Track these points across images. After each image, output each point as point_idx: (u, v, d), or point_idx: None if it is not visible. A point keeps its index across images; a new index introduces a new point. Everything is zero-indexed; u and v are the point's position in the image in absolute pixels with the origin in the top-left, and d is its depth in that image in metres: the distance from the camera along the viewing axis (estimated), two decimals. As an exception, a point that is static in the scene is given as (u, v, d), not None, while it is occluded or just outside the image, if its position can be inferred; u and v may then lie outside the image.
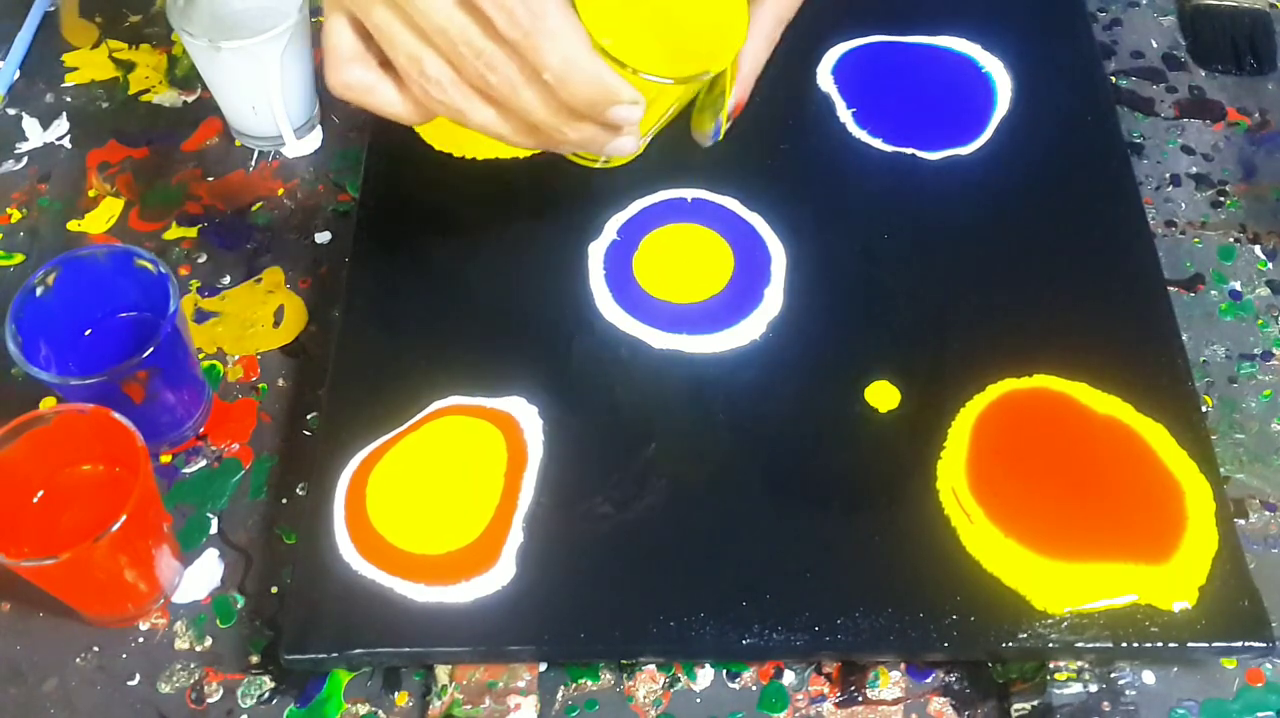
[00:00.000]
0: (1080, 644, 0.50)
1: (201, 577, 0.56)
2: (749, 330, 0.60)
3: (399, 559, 0.53)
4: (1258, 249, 0.66)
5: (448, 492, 0.55)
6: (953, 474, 0.55)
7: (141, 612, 0.54)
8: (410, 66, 0.46)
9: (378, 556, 0.53)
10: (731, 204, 0.64)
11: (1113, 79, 0.73)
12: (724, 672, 0.53)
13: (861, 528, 0.54)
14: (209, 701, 0.52)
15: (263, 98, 0.66)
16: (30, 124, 0.73)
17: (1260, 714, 0.52)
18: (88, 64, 0.76)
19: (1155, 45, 0.76)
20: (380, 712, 0.52)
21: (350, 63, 0.48)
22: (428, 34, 0.45)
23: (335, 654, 0.51)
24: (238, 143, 0.71)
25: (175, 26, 0.65)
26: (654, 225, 0.64)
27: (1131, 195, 0.65)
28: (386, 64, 0.48)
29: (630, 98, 0.47)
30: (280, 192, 0.69)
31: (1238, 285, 0.65)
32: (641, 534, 0.54)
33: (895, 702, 0.52)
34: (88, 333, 0.58)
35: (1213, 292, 0.65)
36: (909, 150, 0.66)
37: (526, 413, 0.57)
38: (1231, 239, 0.67)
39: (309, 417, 0.60)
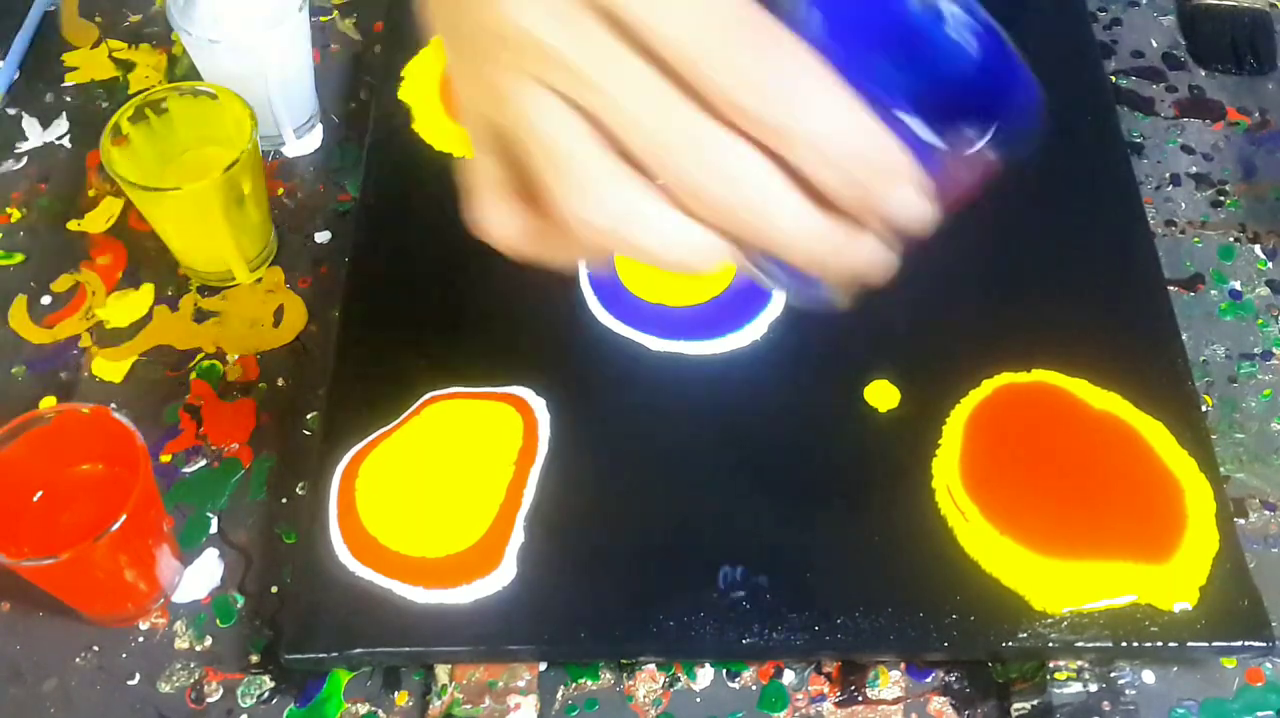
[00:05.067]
0: (1080, 644, 0.50)
1: (201, 577, 0.56)
2: (751, 332, 0.60)
3: (398, 563, 0.53)
4: (1258, 249, 0.66)
5: (450, 488, 0.55)
6: (947, 472, 0.55)
7: (141, 612, 0.54)
8: (569, 182, 0.32)
9: (376, 559, 0.53)
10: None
11: (1113, 79, 0.73)
12: (724, 672, 0.53)
13: (862, 528, 0.54)
14: (209, 700, 0.52)
15: (263, 98, 0.66)
16: (30, 124, 0.73)
17: (1260, 714, 0.52)
18: (88, 64, 0.76)
19: (1155, 45, 0.76)
20: (380, 712, 0.52)
21: (494, 196, 0.35)
22: (603, 121, 0.31)
23: (335, 654, 0.51)
24: (238, 143, 0.71)
25: (175, 26, 0.65)
26: None
27: (1131, 195, 0.65)
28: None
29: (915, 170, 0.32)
30: (280, 191, 0.69)
31: (1238, 285, 0.65)
32: (641, 534, 0.54)
33: (895, 702, 0.52)
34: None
35: (1213, 291, 0.65)
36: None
37: (537, 404, 0.57)
38: (1231, 239, 0.67)
39: (309, 417, 0.60)
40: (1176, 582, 0.51)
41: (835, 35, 0.31)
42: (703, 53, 0.30)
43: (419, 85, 0.70)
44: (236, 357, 0.63)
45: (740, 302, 0.60)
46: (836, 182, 0.31)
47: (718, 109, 0.31)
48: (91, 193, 0.69)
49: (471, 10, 0.33)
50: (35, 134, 0.72)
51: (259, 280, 0.65)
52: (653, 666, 0.53)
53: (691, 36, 0.30)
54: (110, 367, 0.62)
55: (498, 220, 0.36)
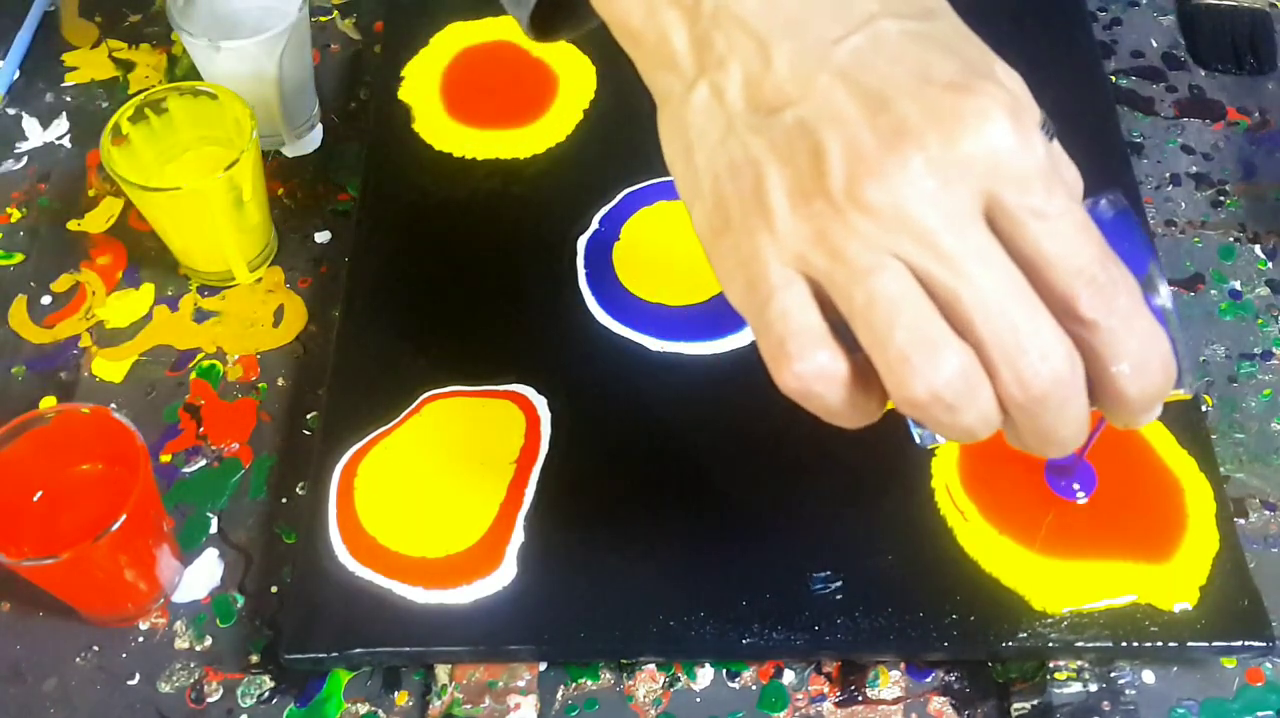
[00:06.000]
0: (1080, 644, 0.50)
1: (201, 576, 0.56)
2: (750, 332, 0.60)
3: (398, 563, 0.53)
4: (1258, 249, 0.66)
5: (450, 488, 0.55)
6: (946, 471, 0.55)
7: (141, 612, 0.54)
8: (914, 350, 0.33)
9: (376, 559, 0.53)
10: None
11: (1113, 79, 0.73)
12: (724, 671, 0.53)
13: (862, 527, 0.54)
14: (209, 700, 0.52)
15: (263, 98, 0.66)
16: (30, 124, 0.73)
17: (1260, 714, 0.52)
18: (88, 64, 0.76)
19: (1155, 45, 0.76)
20: (380, 712, 0.52)
21: (818, 345, 0.35)
22: (962, 308, 0.33)
23: (335, 654, 0.51)
24: (238, 143, 0.71)
25: (175, 26, 0.65)
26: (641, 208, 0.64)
27: (1131, 195, 0.65)
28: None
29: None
30: (280, 191, 0.69)
31: (1238, 285, 0.65)
32: (642, 534, 0.54)
33: (895, 701, 0.52)
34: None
35: (1213, 291, 0.65)
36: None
37: (539, 402, 0.57)
38: (1231, 239, 0.67)
39: (309, 416, 0.60)
40: (1176, 582, 0.51)
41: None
42: (1080, 267, 0.34)
43: (419, 85, 0.70)
44: (236, 357, 0.63)
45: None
46: (1135, 392, 0.35)
47: (1070, 314, 0.34)
48: (91, 193, 0.69)
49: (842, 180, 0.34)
50: (35, 134, 0.72)
51: (259, 280, 0.65)
52: (653, 666, 0.53)
53: (1074, 251, 0.34)
54: (110, 367, 0.62)
55: (817, 371, 0.35)
